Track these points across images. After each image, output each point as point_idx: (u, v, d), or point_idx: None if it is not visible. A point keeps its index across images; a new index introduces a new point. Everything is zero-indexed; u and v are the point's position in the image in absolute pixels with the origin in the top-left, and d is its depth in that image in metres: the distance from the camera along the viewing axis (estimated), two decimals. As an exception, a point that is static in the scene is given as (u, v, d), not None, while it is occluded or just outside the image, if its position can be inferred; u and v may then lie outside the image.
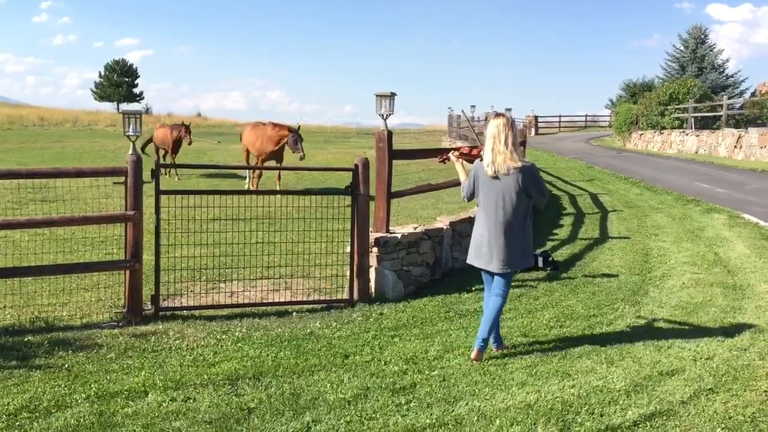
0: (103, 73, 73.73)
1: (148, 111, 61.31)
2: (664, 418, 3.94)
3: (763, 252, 8.68)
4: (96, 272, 6.64)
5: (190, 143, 17.78)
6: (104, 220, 6.60)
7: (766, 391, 4.32)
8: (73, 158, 22.93)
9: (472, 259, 5.14)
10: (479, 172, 5.03)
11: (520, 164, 4.87)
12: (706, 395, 4.26)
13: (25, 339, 5.27)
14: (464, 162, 5.61)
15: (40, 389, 4.32)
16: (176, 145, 17.78)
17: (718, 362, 4.85)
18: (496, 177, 4.90)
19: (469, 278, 7.70)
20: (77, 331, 5.56)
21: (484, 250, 4.99)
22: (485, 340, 5.00)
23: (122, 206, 6.01)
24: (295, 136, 14.17)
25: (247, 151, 15.64)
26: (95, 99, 73.86)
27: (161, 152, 17.99)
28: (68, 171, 6.52)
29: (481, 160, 5.03)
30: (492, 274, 5.09)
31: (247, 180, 15.85)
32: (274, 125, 14.77)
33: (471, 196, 5.16)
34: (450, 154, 5.77)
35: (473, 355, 4.98)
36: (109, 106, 69.59)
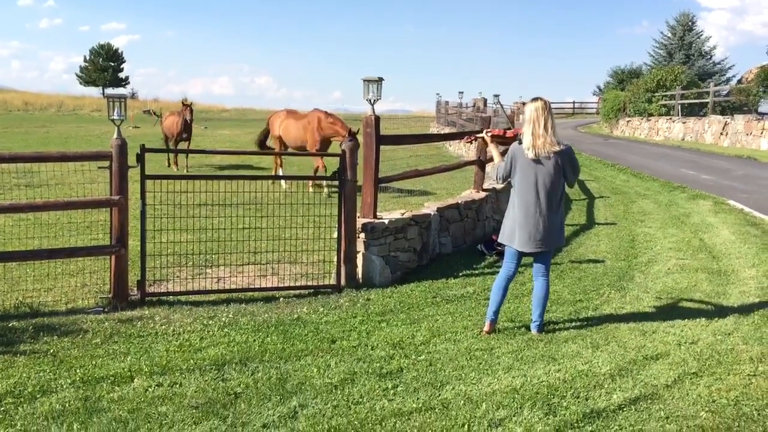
0: (88, 58, 73.00)
1: (134, 96, 60.85)
2: (649, 401, 3.98)
3: (748, 238, 8.75)
4: (81, 257, 6.59)
5: (190, 121, 16.20)
6: (89, 204, 6.54)
7: (749, 374, 4.36)
8: (58, 143, 22.72)
9: (507, 239, 5.26)
10: (518, 155, 5.11)
11: (559, 147, 5.02)
12: (690, 379, 4.30)
13: (10, 324, 5.23)
14: (488, 144, 5.73)
15: (25, 374, 4.30)
16: (183, 132, 16.21)
17: (702, 346, 4.90)
18: (536, 160, 5.01)
19: (456, 264, 7.72)
20: (62, 316, 5.52)
21: (522, 232, 5.12)
22: (542, 322, 5.34)
23: (107, 191, 5.95)
24: (354, 141, 12.53)
25: (280, 143, 13.42)
26: (81, 84, 73.23)
27: (170, 142, 16.64)
28: (52, 155, 6.46)
29: (520, 143, 5.11)
30: (526, 255, 5.29)
31: (283, 183, 12.09)
32: (328, 114, 12.55)
33: (506, 178, 5.23)
34: (484, 135, 5.84)
35: (534, 332, 5.28)
36: (94, 91, 68.98)
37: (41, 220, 8.34)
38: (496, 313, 5.34)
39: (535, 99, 5.09)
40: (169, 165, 16.35)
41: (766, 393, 4.07)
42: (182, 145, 16.37)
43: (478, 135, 5.97)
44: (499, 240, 5.40)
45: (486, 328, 5.31)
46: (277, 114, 14.03)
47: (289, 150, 13.26)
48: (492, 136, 5.82)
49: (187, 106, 16.22)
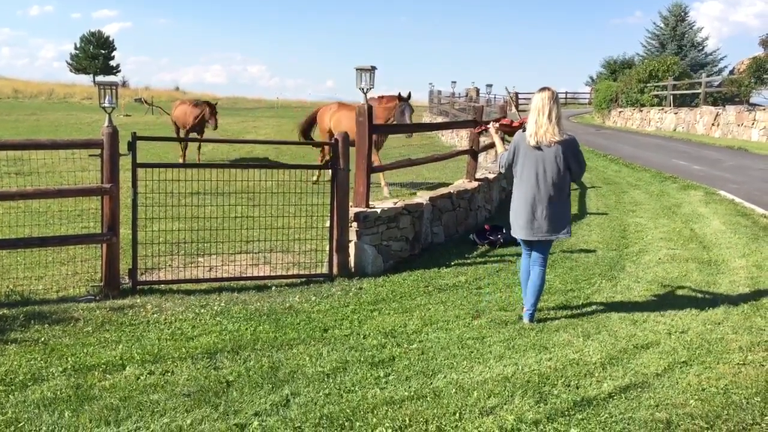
0: (78, 45, 72.48)
1: (125, 84, 60.45)
2: (639, 390, 4.00)
3: (738, 228, 8.80)
4: (72, 245, 6.57)
5: (215, 127, 15.21)
6: (80, 193, 6.50)
7: (738, 363, 4.39)
8: (48, 131, 22.58)
9: (512, 229, 5.31)
10: (521, 143, 5.15)
11: (561, 137, 5.04)
12: (680, 368, 4.33)
13: (1, 312, 5.21)
14: (500, 133, 5.82)
15: (15, 363, 4.28)
16: (197, 124, 15.16)
17: (692, 336, 4.93)
18: (538, 148, 5.05)
19: (448, 253, 7.73)
20: (53, 304, 5.50)
21: (520, 219, 5.16)
22: (534, 311, 5.32)
23: (98, 179, 5.92)
24: (404, 105, 10.92)
25: (330, 137, 11.59)
26: (71, 71, 72.75)
27: (181, 132, 15.50)
28: (43, 143, 6.40)
29: (524, 131, 5.16)
30: (531, 243, 5.29)
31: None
32: (381, 98, 11.36)
33: (510, 166, 5.26)
34: (490, 126, 5.91)
35: (525, 322, 5.27)
36: (85, 79, 68.64)
37: (32, 208, 8.29)
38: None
39: (543, 89, 5.11)
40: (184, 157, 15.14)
41: (755, 382, 4.10)
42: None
43: (487, 125, 6.01)
44: (511, 232, 5.42)
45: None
46: (327, 107, 12.97)
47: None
48: (500, 125, 5.87)
49: (212, 107, 15.01)
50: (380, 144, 11.54)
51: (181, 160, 14.75)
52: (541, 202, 5.08)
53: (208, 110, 14.88)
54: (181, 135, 15.42)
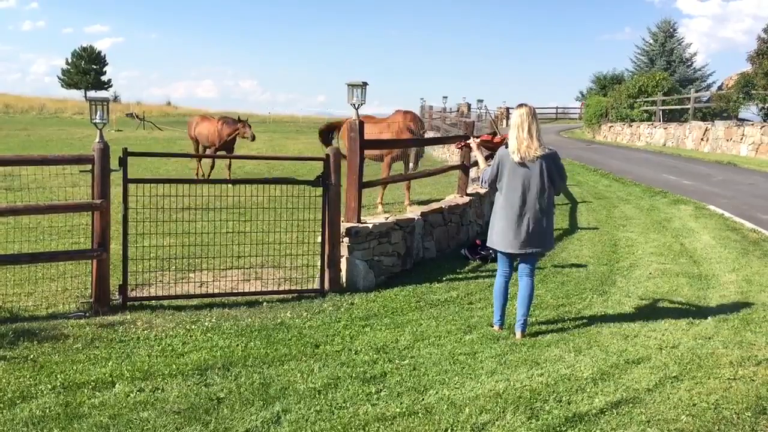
0: (70, 60, 72.52)
1: (116, 99, 60.46)
2: (630, 405, 4.01)
3: (728, 242, 8.85)
4: (62, 261, 6.53)
5: (253, 138, 14.50)
6: (70, 208, 6.48)
7: (729, 378, 4.41)
8: (39, 146, 22.52)
9: (495, 243, 5.35)
10: (505, 159, 5.22)
11: (543, 151, 5.13)
12: (671, 383, 4.34)
13: (-11, 329, 5.17)
14: (482, 149, 5.87)
15: (4, 380, 4.25)
16: (228, 143, 14.51)
17: (683, 350, 4.94)
18: (522, 164, 5.13)
19: (440, 268, 7.73)
20: (43, 321, 5.46)
21: (507, 234, 5.22)
22: (525, 322, 5.38)
23: (89, 195, 5.91)
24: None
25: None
26: (62, 86, 72.80)
27: (205, 150, 14.68)
28: (33, 158, 6.39)
29: (506, 147, 5.24)
30: (515, 257, 5.37)
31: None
32: (406, 112, 11.66)
33: (493, 182, 5.33)
34: (470, 141, 5.98)
35: (518, 335, 5.31)
36: (76, 94, 68.68)
37: (22, 224, 8.24)
38: (502, 316, 5.49)
39: (520, 105, 5.24)
40: (208, 173, 14.69)
41: (745, 396, 4.12)
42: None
43: (467, 141, 6.09)
44: (488, 244, 5.48)
45: (496, 329, 5.51)
46: (349, 119, 12.40)
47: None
48: (481, 141, 5.95)
49: (244, 122, 14.54)
50: (413, 158, 11.50)
51: (197, 176, 14.56)
52: (528, 216, 5.15)
53: (241, 126, 14.41)
54: (208, 152, 14.60)
